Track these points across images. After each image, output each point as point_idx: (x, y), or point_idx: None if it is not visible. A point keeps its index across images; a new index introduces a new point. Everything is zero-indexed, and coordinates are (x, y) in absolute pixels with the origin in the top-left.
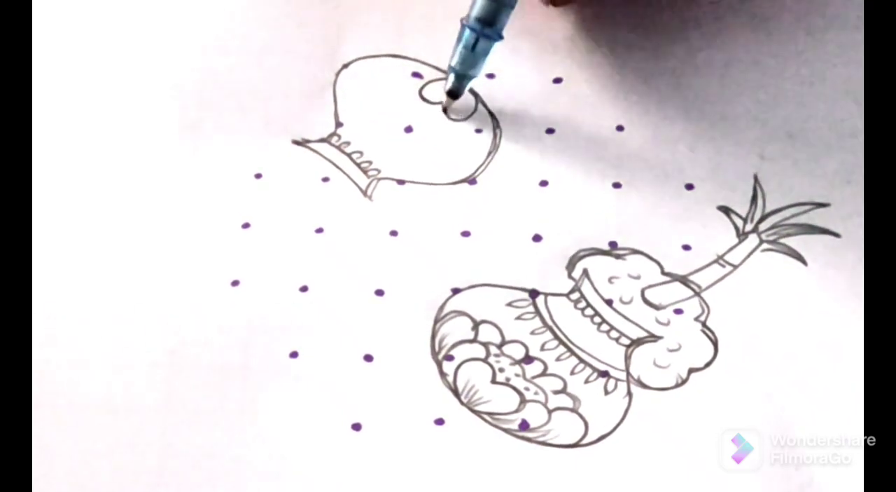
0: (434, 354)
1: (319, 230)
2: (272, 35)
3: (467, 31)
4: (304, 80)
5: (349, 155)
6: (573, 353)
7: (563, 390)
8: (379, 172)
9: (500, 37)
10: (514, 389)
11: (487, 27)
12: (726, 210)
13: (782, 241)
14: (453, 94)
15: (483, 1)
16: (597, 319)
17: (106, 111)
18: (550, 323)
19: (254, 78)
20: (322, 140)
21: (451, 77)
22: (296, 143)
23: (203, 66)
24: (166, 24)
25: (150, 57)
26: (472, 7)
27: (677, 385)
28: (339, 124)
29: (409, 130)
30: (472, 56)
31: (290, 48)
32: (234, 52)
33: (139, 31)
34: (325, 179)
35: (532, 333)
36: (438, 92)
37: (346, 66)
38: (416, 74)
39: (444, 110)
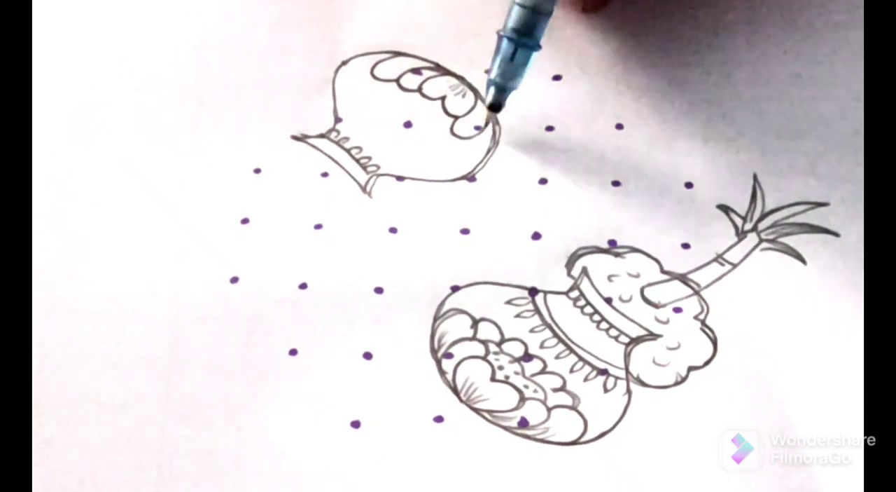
0: (433, 351)
1: (318, 227)
2: (272, 30)
3: (505, 42)
4: (304, 76)
5: (348, 150)
6: (572, 351)
7: (563, 388)
8: (378, 168)
9: (539, 46)
10: (514, 386)
11: (525, 37)
12: (726, 209)
13: (781, 240)
14: (495, 107)
15: (519, 10)
16: (596, 318)
17: (104, 107)
18: (549, 321)
19: (253, 73)
20: (321, 136)
21: (492, 90)
22: (295, 138)
23: (202, 61)
24: (165, 20)
25: (149, 53)
26: (508, 17)
27: (676, 383)
28: (338, 120)
29: (408, 125)
30: (512, 67)
31: (289, 44)
32: (233, 48)
33: (137, 27)
34: (325, 175)
35: (531, 331)
36: (437, 88)
37: (345, 62)
38: (416, 70)
39: (486, 123)
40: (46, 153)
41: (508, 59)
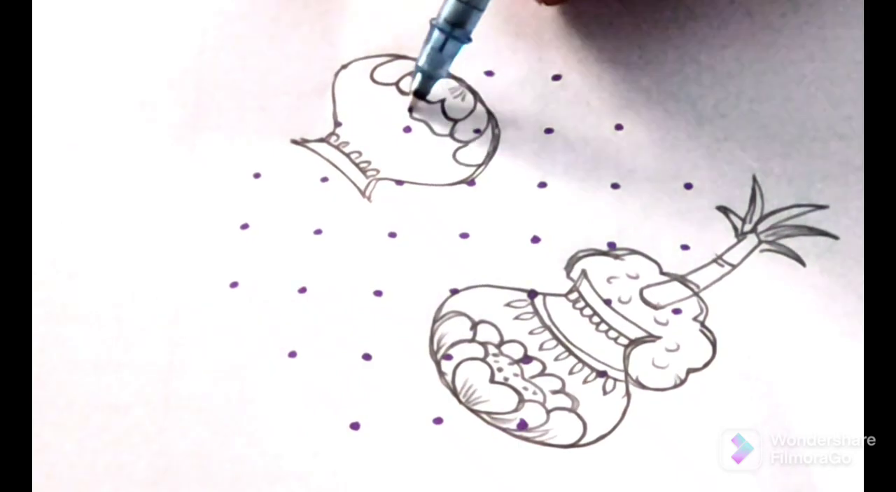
0: (432, 353)
1: (318, 231)
2: (271, 34)
3: (436, 32)
4: (303, 81)
5: (348, 155)
6: (571, 353)
7: (562, 390)
8: (378, 172)
9: (469, 39)
10: (513, 388)
11: (457, 29)
12: (725, 210)
13: (781, 241)
14: (420, 93)
15: (453, 3)
16: (595, 319)
17: (104, 111)
18: (549, 323)
19: (253, 78)
20: (321, 140)
21: (418, 77)
22: (294, 142)
23: (202, 65)
24: (165, 23)
25: (149, 57)
26: (441, 8)
27: (676, 385)
28: (337, 124)
29: (407, 130)
30: (440, 57)
31: (289, 48)
32: (232, 52)
33: (137, 30)
34: (324, 179)
35: (530, 333)
36: (438, 91)
37: (345, 66)
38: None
39: (410, 110)
40: (46, 155)
41: (438, 49)
